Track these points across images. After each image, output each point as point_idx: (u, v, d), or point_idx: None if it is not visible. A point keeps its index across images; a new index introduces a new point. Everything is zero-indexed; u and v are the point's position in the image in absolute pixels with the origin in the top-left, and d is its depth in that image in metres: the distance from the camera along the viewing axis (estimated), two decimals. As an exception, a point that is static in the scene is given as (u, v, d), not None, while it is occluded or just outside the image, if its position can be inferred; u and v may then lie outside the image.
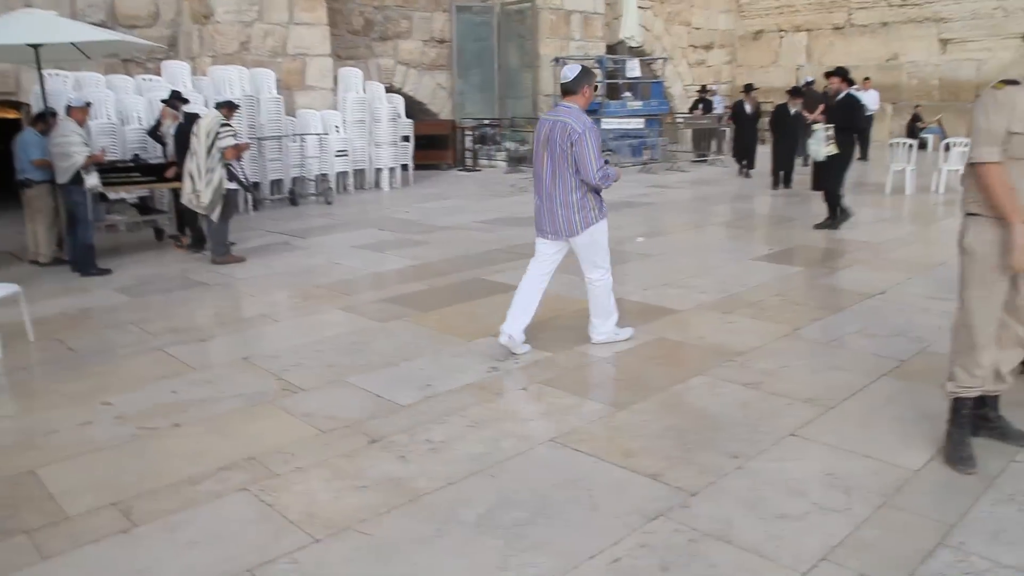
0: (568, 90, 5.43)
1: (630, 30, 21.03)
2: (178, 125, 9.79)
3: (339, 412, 4.77)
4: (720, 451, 4.14)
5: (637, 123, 18.44)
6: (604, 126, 17.23)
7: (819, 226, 10.13)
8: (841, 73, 10.46)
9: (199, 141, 8.79)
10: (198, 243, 9.52)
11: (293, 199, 13.61)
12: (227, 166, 8.83)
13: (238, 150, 8.94)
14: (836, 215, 10.19)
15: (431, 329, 6.35)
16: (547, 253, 5.68)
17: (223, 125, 8.81)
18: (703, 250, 9.23)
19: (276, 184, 13.81)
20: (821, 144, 10.02)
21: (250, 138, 12.11)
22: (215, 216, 8.83)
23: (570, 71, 5.44)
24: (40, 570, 3.33)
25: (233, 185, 8.95)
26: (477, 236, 10.18)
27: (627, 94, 19.16)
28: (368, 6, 17.24)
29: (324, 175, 14.35)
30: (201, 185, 8.80)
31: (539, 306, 5.72)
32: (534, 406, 4.82)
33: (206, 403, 4.97)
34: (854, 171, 14.52)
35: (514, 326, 5.60)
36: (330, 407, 4.85)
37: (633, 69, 19.48)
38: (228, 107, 9.09)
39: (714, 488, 3.77)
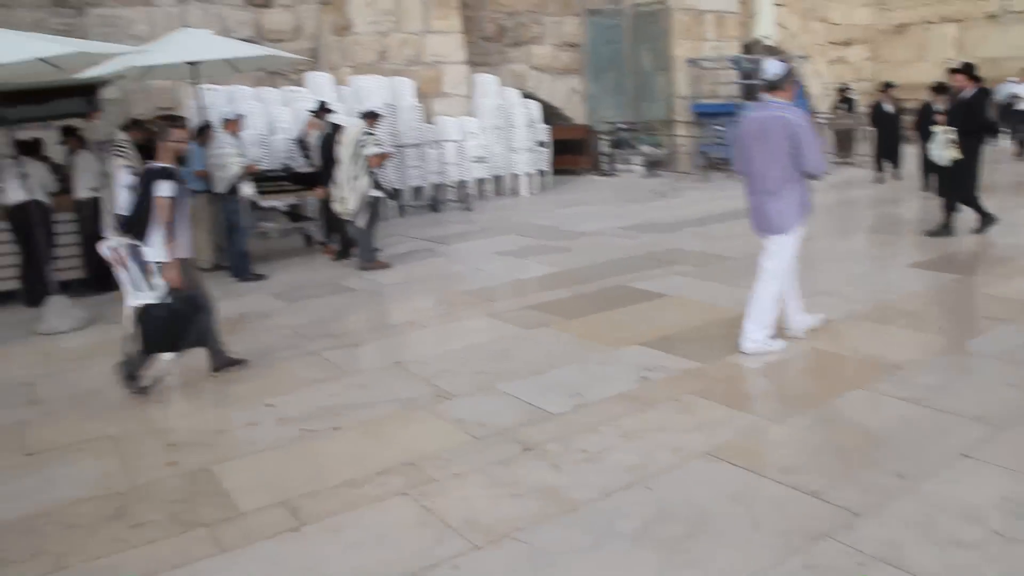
0: (775, 86, 5.55)
1: (765, 28, 20.51)
2: (323, 135, 10.13)
3: (491, 419, 4.83)
4: (884, 470, 3.99)
5: (777, 124, 17.93)
6: (743, 128, 16.84)
7: (976, 230, 9.47)
8: (966, 70, 9.67)
9: (344, 150, 9.09)
10: (346, 250, 9.84)
11: (434, 205, 13.90)
12: (372, 174, 9.09)
13: (381, 158, 9.19)
14: (984, 217, 9.46)
15: (576, 337, 6.36)
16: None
17: (366, 134, 9.08)
18: (852, 256, 8.92)
19: (417, 191, 14.12)
20: (942, 149, 9.40)
21: (391, 146, 12.42)
22: (361, 223, 9.11)
23: (776, 68, 5.58)
24: (220, 562, 3.54)
25: (378, 192, 9.22)
26: (618, 243, 10.14)
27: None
28: (500, 12, 17.41)
29: (463, 182, 14.58)
30: (347, 192, 9.09)
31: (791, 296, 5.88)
32: (687, 417, 4.75)
33: (362, 407, 5.13)
34: (1014, 172, 13.77)
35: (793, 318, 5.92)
36: (482, 414, 4.92)
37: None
38: (371, 117, 9.36)
39: (881, 509, 3.63)
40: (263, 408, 5.21)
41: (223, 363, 5.88)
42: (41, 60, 7.25)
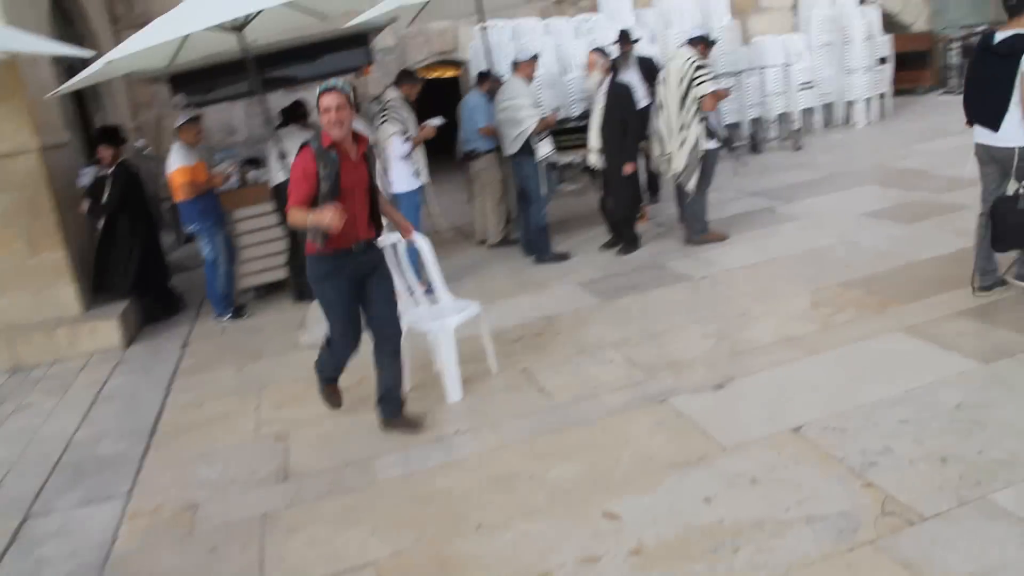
0: None
1: None
2: (608, 81, 7.67)
3: (1017, 585, 2.66)
4: None
5: None
6: None
7: None
8: None
9: (669, 91, 7.00)
10: (618, 237, 7.69)
11: (755, 145, 11.49)
12: (703, 120, 6.93)
13: (717, 98, 6.97)
14: None
15: (1075, 376, 3.96)
16: None
17: (698, 67, 6.90)
18: None
19: (732, 129, 11.74)
20: None
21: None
22: (691, 186, 7.01)
23: None
24: None
25: (712, 144, 7.01)
26: (1036, 192, 7.31)
27: None
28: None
29: (787, 114, 12.01)
30: (673, 146, 7.03)
31: None
32: None
33: (764, 532, 3.10)
34: None
35: None
36: (990, 567, 2.75)
37: None
38: (702, 43, 7.14)
39: None
40: (601, 521, 3.35)
41: None
42: (291, 6, 5.75)
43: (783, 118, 12.09)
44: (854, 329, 4.88)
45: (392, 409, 4.43)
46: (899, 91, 14.04)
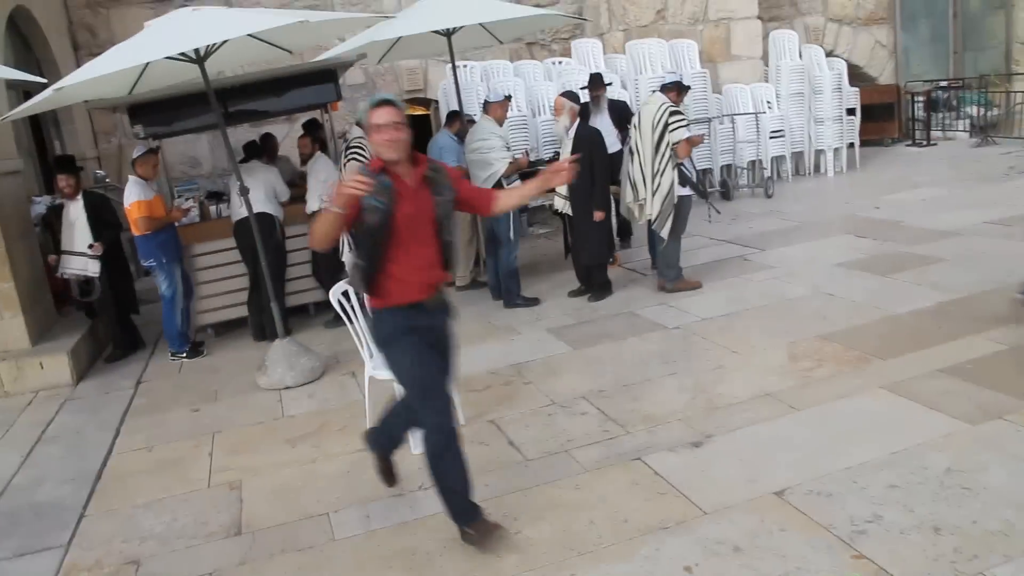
0: None
1: None
2: (577, 126, 7.43)
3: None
4: None
5: None
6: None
7: None
8: None
9: (642, 136, 6.89)
10: (589, 283, 7.50)
11: (726, 192, 11.44)
12: (679, 167, 6.82)
13: (691, 144, 6.86)
14: None
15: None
16: None
17: (672, 113, 6.80)
18: None
19: (703, 175, 11.68)
20: None
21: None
22: (664, 232, 6.88)
23: None
24: None
25: (686, 191, 6.90)
26: (1006, 246, 7.27)
27: None
28: (794, -45, 14.56)
29: (758, 162, 12.00)
30: (646, 192, 6.90)
31: None
32: None
33: (751, 609, 2.91)
34: None
35: None
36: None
37: None
38: (676, 89, 7.05)
39: None
40: (575, 586, 3.14)
41: None
42: (257, 39, 5.58)
43: (754, 166, 12.08)
44: (834, 385, 4.73)
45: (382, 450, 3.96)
46: (866, 142, 14.13)
